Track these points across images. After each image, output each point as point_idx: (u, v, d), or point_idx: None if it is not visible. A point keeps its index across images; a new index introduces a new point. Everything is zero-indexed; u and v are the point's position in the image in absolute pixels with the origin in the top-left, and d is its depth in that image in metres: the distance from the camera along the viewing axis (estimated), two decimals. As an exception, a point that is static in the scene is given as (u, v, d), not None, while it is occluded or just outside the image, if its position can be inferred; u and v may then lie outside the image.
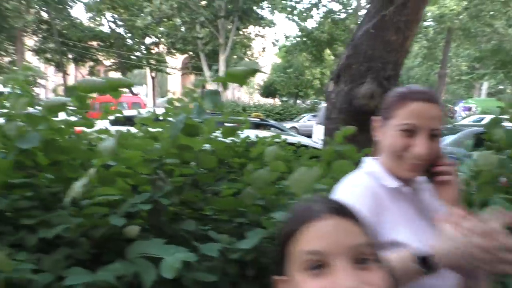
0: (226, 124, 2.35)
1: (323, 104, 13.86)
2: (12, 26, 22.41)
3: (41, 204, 1.32)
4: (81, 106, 1.32)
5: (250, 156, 2.09)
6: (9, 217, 1.26)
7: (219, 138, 1.76)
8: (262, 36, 28.00)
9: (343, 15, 24.04)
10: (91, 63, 29.67)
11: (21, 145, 1.23)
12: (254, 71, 1.32)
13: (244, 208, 1.53)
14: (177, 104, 2.03)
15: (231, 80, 1.33)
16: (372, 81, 2.42)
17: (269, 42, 28.52)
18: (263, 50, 29.62)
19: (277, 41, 28.56)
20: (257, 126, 7.77)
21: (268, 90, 35.44)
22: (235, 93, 39.98)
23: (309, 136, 8.85)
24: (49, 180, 1.40)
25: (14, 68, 25.90)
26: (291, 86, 30.64)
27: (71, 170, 1.36)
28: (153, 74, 31.15)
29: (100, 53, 28.70)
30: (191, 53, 27.87)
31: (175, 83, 41.44)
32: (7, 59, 26.52)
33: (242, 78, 1.32)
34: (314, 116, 21.54)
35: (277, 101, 35.09)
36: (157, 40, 27.84)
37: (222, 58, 23.24)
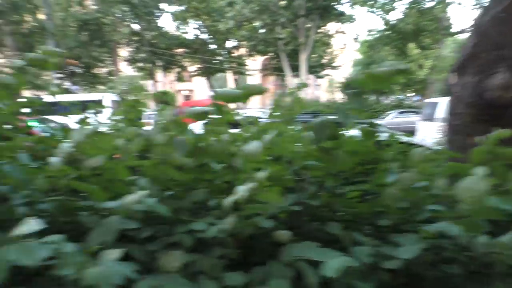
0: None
1: (427, 100, 13.08)
2: (110, 39, 24.52)
3: (191, 205, 1.36)
4: (221, 114, 1.34)
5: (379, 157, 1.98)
6: (166, 217, 1.31)
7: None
8: (343, 32, 27.37)
9: (429, 4, 22.61)
10: (178, 69, 31.37)
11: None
12: (400, 71, 1.22)
13: (385, 210, 1.45)
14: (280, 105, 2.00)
15: (373, 83, 1.24)
16: (506, 70, 2.17)
17: (349, 38, 27.83)
18: (344, 47, 28.95)
19: (358, 36, 27.76)
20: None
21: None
22: (314, 92, 39.55)
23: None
24: (193, 180, 1.45)
25: (112, 77, 28.35)
26: (374, 82, 29.40)
27: (213, 173, 1.39)
28: (236, 77, 32.03)
29: (185, 59, 30.22)
30: (271, 54, 28.17)
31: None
32: (104, 70, 29.09)
33: (387, 81, 1.23)
34: (401, 113, 20.49)
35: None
36: (238, 43, 28.59)
37: (303, 58, 23.15)
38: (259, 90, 1.32)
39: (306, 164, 1.35)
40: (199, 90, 45.43)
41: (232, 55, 30.22)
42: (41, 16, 23.83)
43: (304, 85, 2.33)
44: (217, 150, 1.29)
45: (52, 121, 2.05)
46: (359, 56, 35.35)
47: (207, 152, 1.30)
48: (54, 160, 1.21)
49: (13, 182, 1.29)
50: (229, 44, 29.74)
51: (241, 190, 1.01)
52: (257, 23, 22.68)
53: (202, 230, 1.21)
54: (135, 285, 0.97)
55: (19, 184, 1.29)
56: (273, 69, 30.95)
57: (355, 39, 27.72)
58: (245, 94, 1.30)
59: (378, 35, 26.44)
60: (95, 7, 25.18)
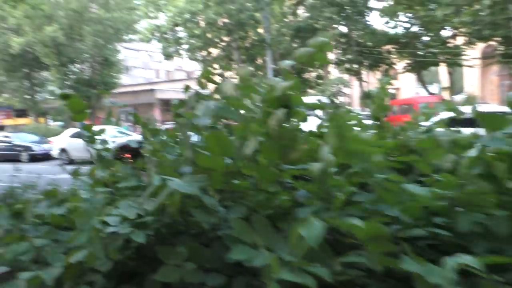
0: None
1: None
2: (320, 43, 25.55)
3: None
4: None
5: None
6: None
7: None
8: None
9: None
10: (385, 67, 30.26)
11: (489, 144, 1.08)
12: None
13: None
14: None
15: None
16: None
17: None
18: None
19: None
20: None
21: None
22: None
23: None
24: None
25: (321, 81, 29.45)
26: None
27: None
28: (450, 70, 28.81)
29: (393, 56, 28.90)
30: (497, 39, 24.06)
31: (472, 77, 37.02)
32: (313, 74, 30.54)
33: None
34: None
35: None
36: (454, 32, 25.61)
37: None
38: None
39: None
40: (405, 88, 42.92)
41: (448, 45, 27.22)
42: (260, 30, 26.74)
43: None
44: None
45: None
46: None
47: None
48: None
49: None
50: (444, 34, 26.96)
51: None
52: (484, 3, 19.62)
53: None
54: None
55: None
56: (499, 56, 26.40)
57: None
58: None
59: None
60: (306, 14, 26.64)
